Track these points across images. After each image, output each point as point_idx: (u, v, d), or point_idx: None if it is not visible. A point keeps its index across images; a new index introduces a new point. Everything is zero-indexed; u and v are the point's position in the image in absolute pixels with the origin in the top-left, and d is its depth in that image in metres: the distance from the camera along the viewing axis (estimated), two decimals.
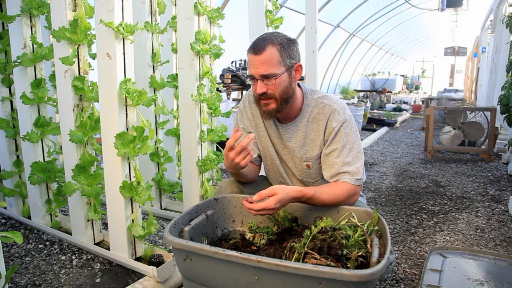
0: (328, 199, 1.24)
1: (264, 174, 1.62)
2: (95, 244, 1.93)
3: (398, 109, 9.62)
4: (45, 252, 1.98)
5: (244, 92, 5.69)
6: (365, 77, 12.13)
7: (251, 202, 1.15)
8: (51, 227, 2.14)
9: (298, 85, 1.42)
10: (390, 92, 11.35)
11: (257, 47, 1.26)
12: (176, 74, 2.65)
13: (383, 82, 11.45)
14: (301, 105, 1.40)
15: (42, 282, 1.70)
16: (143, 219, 1.83)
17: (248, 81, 5.43)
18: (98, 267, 1.82)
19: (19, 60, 1.95)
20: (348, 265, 0.99)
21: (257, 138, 1.50)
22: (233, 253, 0.94)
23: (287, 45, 1.29)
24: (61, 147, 2.12)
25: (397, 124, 7.58)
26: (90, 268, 1.81)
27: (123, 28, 1.53)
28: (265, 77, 1.26)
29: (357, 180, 1.30)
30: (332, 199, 1.25)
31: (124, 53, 1.58)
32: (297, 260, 1.02)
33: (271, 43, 1.26)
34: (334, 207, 1.27)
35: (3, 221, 2.36)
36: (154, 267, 1.62)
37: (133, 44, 1.62)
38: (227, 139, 1.61)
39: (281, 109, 1.33)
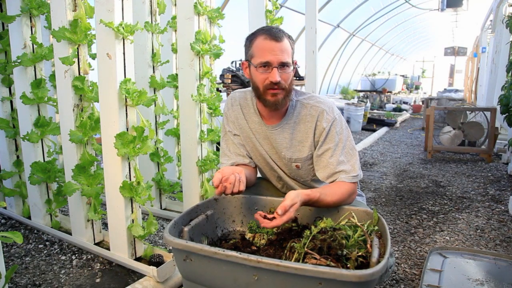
0: (332, 200, 1.24)
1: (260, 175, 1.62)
2: (95, 244, 1.93)
3: (398, 109, 9.62)
4: (45, 252, 1.98)
5: None
6: (365, 77, 12.12)
7: (265, 216, 1.12)
8: (51, 227, 2.14)
9: None
10: (390, 92, 11.34)
11: (276, 35, 1.25)
12: (176, 74, 2.64)
13: (383, 82, 11.44)
14: (287, 105, 1.39)
15: (42, 282, 1.70)
16: (143, 219, 1.83)
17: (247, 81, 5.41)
18: (98, 267, 1.82)
19: (19, 60, 1.95)
20: (348, 265, 0.99)
21: (243, 139, 1.49)
22: (233, 253, 0.93)
23: (293, 41, 1.33)
24: (61, 147, 2.12)
25: (397, 124, 7.58)
26: (90, 268, 1.81)
27: (123, 28, 1.53)
28: (283, 66, 1.26)
29: (353, 177, 1.30)
30: (335, 200, 1.25)
31: (124, 53, 1.58)
32: (297, 260, 1.02)
33: (285, 35, 1.28)
34: (334, 207, 1.27)
35: (3, 221, 2.36)
36: (154, 267, 1.62)
37: (133, 44, 1.62)
38: None
39: (287, 101, 1.34)
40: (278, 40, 1.25)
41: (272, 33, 1.27)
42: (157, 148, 2.50)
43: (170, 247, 1.93)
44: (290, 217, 1.10)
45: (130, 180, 1.67)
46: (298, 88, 1.51)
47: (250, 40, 1.32)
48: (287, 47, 1.27)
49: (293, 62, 1.31)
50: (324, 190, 1.25)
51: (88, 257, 1.92)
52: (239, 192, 1.22)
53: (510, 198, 2.72)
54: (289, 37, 1.31)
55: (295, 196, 1.13)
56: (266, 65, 1.26)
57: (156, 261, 1.72)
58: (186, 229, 1.16)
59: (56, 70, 1.76)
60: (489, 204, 2.84)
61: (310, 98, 1.40)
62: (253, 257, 0.91)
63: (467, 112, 4.70)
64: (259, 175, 1.62)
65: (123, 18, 1.55)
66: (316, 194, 1.20)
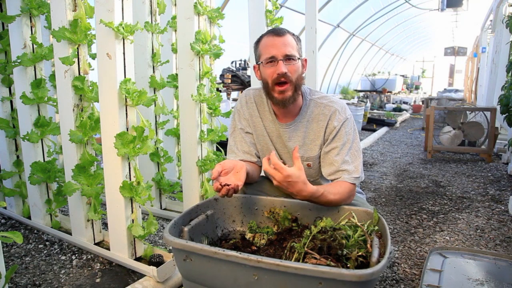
0: (334, 198, 1.25)
1: (264, 174, 1.62)
2: (95, 244, 1.93)
3: (398, 109, 9.63)
4: (45, 252, 1.98)
5: None
6: (365, 77, 12.14)
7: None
8: (51, 227, 2.14)
9: None
10: (390, 92, 11.36)
11: (278, 31, 1.33)
12: (176, 74, 2.64)
13: (383, 82, 11.46)
14: (301, 104, 1.41)
15: (42, 282, 1.70)
16: (143, 219, 1.83)
17: (247, 81, 5.42)
18: (98, 267, 1.82)
19: (19, 60, 1.95)
20: (348, 265, 0.99)
21: (255, 137, 1.50)
22: (233, 253, 0.94)
23: (298, 39, 1.38)
24: (61, 147, 2.12)
25: (397, 124, 7.57)
26: (90, 268, 1.81)
27: (123, 28, 1.53)
28: (288, 58, 1.30)
29: (355, 178, 1.31)
30: (337, 199, 1.26)
31: (124, 53, 1.58)
32: (297, 260, 1.02)
33: (288, 32, 1.35)
34: (334, 207, 1.27)
35: (3, 221, 2.36)
36: (154, 267, 1.62)
37: (133, 44, 1.62)
38: (227, 139, 1.61)
39: (296, 97, 1.36)
40: (280, 35, 1.32)
41: (274, 30, 1.34)
42: (157, 148, 2.50)
43: (170, 247, 1.93)
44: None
45: (130, 180, 1.67)
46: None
47: (257, 42, 1.38)
48: (291, 41, 1.32)
49: (300, 58, 1.35)
50: (328, 188, 1.27)
51: (88, 257, 1.92)
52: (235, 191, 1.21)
53: (510, 198, 2.72)
54: (294, 35, 1.37)
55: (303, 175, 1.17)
56: (272, 59, 1.31)
57: (156, 261, 1.72)
58: (186, 229, 1.16)
59: (56, 70, 1.75)
60: (489, 204, 2.84)
61: (324, 97, 1.43)
62: (253, 257, 0.91)
63: (467, 112, 4.70)
64: (263, 173, 1.62)
65: (123, 18, 1.55)
66: (320, 190, 1.22)
